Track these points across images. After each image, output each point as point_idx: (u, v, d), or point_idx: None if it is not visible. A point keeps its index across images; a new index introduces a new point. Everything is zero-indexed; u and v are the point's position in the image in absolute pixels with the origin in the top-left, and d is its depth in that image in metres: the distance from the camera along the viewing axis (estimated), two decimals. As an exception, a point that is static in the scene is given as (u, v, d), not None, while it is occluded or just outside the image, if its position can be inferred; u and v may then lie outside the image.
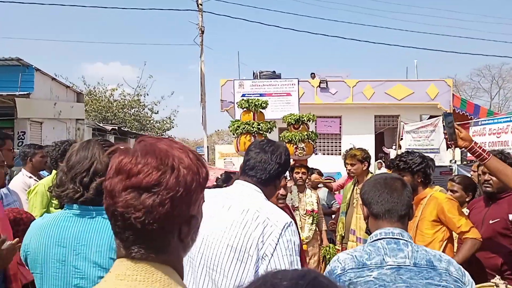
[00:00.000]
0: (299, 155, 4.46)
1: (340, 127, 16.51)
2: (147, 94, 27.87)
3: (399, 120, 13.14)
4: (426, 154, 9.75)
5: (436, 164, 10.74)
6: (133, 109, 27.80)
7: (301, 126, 4.60)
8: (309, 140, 4.58)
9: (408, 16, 47.86)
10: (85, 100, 23.12)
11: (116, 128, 18.36)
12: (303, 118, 4.59)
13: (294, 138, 4.44)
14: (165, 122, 29.51)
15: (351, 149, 4.36)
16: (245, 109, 4.49)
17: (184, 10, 13.00)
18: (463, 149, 2.38)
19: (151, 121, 29.22)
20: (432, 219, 2.70)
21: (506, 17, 48.91)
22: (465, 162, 12.30)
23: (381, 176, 1.64)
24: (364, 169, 4.02)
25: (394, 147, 14.58)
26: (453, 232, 2.71)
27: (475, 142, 2.34)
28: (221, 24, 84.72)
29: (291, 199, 4.22)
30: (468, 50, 44.95)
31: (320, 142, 16.40)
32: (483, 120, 9.66)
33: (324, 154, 16.26)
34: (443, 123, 2.48)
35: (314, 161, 10.41)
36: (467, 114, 15.11)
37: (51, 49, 65.85)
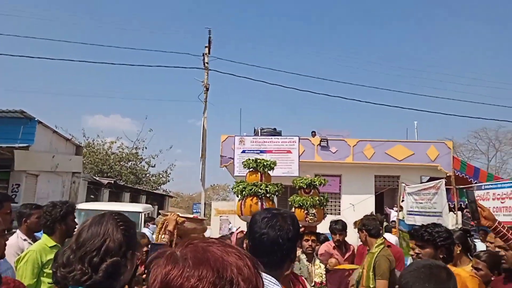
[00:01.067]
0: (310, 221, 4.22)
1: (340, 186, 16.34)
2: (146, 148, 27.91)
3: (399, 180, 13.04)
4: (429, 218, 9.54)
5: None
6: (130, 162, 27.67)
7: (312, 191, 4.41)
8: (321, 206, 4.36)
9: (408, 79, 49.30)
10: (83, 153, 23.07)
11: (112, 182, 18.08)
12: (314, 182, 4.41)
13: (305, 204, 4.23)
14: (161, 176, 29.28)
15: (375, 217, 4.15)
16: (252, 169, 4.25)
17: (190, 68, 13.22)
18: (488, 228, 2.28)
19: (147, 175, 28.99)
20: None
21: (502, 82, 50.52)
22: (469, 226, 12.07)
23: (425, 263, 1.47)
24: (364, 238, 3.85)
25: (395, 208, 14.34)
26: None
27: (499, 221, 2.26)
28: (225, 81, 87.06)
29: (300, 269, 3.95)
30: (465, 113, 45.87)
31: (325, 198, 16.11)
32: (486, 185, 9.55)
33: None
34: (466, 200, 2.43)
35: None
36: (467, 177, 15.03)
37: (52, 100, 66.81)
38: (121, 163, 26.69)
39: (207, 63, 12.81)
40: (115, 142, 27.20)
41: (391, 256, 3.74)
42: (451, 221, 11.51)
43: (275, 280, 1.46)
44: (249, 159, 4.29)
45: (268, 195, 4.05)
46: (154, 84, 68.91)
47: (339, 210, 16.18)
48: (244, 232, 4.79)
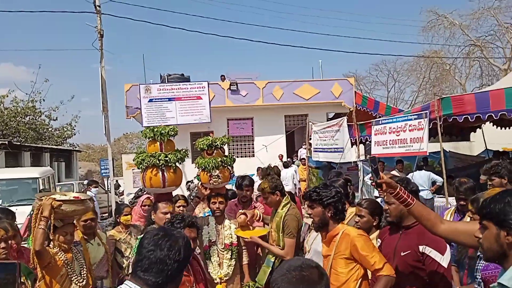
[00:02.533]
0: (214, 183, 4.11)
1: (252, 129, 16.56)
2: (43, 100, 25.45)
3: (307, 119, 13.49)
4: (331, 154, 10.06)
5: (343, 161, 11.21)
6: (28, 117, 25.19)
7: (215, 151, 4.25)
8: (225, 166, 4.24)
9: (310, 18, 49.90)
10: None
11: (6, 142, 16.36)
12: (216, 142, 4.24)
13: (207, 166, 4.09)
14: (65, 129, 27.26)
15: (274, 169, 4.12)
16: (150, 138, 3.99)
17: (80, 13, 11.79)
18: (389, 193, 2.35)
19: (50, 129, 26.77)
20: (345, 257, 2.62)
21: (400, 18, 53.52)
22: (368, 157, 13.05)
23: (296, 265, 1.40)
24: (277, 199, 3.77)
25: (304, 146, 14.98)
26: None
27: (400, 187, 2.30)
28: (123, 28, 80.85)
29: (208, 232, 3.88)
30: (366, 49, 48.42)
31: (232, 145, 16.29)
32: (383, 120, 10.19)
33: (237, 156, 16.17)
34: (370, 167, 2.55)
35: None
36: (368, 110, 15.99)
37: None
38: (17, 118, 24.18)
39: (99, 6, 11.53)
40: (7, 96, 24.37)
41: (298, 215, 3.81)
42: (354, 154, 12.34)
43: None
44: (147, 129, 4.05)
45: (170, 164, 3.84)
46: (47, 30, 62.07)
47: (253, 152, 16.52)
48: (151, 199, 4.57)
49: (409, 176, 8.94)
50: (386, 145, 9.66)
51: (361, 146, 12.71)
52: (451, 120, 7.38)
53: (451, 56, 26.74)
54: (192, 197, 8.38)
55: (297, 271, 1.36)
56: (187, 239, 1.59)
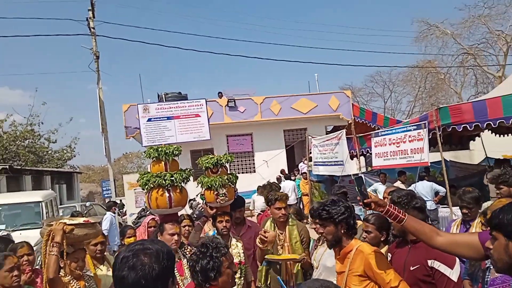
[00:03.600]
0: (221, 202, 4.06)
1: (252, 145, 16.59)
2: (42, 123, 25.50)
3: (306, 133, 13.55)
4: (331, 166, 10.05)
5: (343, 174, 11.20)
6: (27, 141, 25.20)
7: (220, 170, 4.24)
8: (230, 184, 4.23)
9: (304, 32, 50.50)
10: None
11: (7, 166, 16.35)
12: (221, 160, 4.23)
13: (214, 184, 4.06)
14: (65, 152, 27.24)
15: (272, 188, 4.12)
16: (154, 158, 3.88)
17: (75, 35, 11.92)
18: (380, 212, 2.32)
19: (49, 152, 26.75)
20: (359, 274, 2.59)
21: (392, 29, 54.21)
22: (370, 169, 13.07)
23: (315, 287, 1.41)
24: (287, 213, 3.85)
25: (304, 160, 15.00)
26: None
27: (389, 204, 2.30)
28: (118, 48, 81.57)
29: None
30: (361, 61, 48.92)
31: (233, 161, 16.24)
32: (382, 131, 10.24)
33: (238, 173, 16.16)
34: (356, 188, 2.52)
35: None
36: (366, 121, 16.09)
37: None
38: (17, 142, 24.18)
39: (93, 28, 11.67)
40: (6, 120, 24.45)
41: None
42: (355, 167, 12.35)
43: None
44: (150, 148, 3.95)
45: (176, 184, 3.77)
46: (43, 54, 62.58)
47: (254, 167, 16.52)
48: (156, 219, 4.55)
49: (412, 186, 8.94)
50: (387, 156, 9.69)
51: (362, 158, 12.75)
52: (450, 129, 7.44)
53: (445, 65, 27.03)
54: (195, 216, 8.33)
55: None
56: (162, 252, 1.45)
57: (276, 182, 12.02)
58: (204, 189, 4.18)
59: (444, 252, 2.25)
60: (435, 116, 7.52)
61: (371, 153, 10.73)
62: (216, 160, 4.18)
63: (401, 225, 2.27)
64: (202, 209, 5.29)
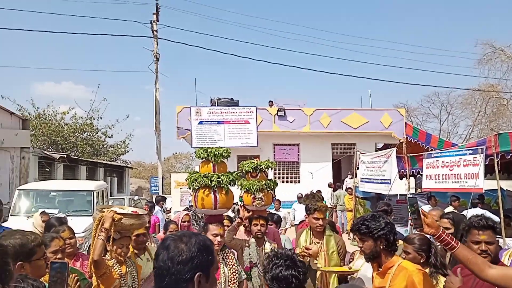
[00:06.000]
0: (257, 205, 4.16)
1: (298, 155, 16.53)
2: (101, 118, 26.88)
3: (355, 148, 13.31)
4: (378, 184, 9.78)
5: (390, 193, 10.88)
6: (85, 133, 26.66)
7: (259, 174, 4.32)
8: (268, 189, 4.29)
9: (362, 48, 49.77)
10: (33, 124, 21.90)
11: (65, 156, 17.38)
12: (261, 165, 4.32)
13: (252, 188, 4.15)
14: (119, 147, 28.51)
15: (313, 197, 4.12)
16: (203, 159, 3.96)
17: (138, 37, 12.55)
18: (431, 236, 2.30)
19: (105, 146, 28.11)
20: None
21: (454, 50, 52.25)
22: (419, 191, 12.59)
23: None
24: (324, 224, 3.84)
25: (350, 175, 14.72)
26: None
27: (443, 230, 2.27)
28: (177, 51, 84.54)
29: (249, 254, 3.93)
30: (418, 80, 47.39)
31: (278, 170, 16.32)
32: (436, 153, 9.86)
33: (282, 182, 16.14)
34: (409, 207, 2.46)
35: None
36: (419, 142, 15.55)
37: (-2, 70, 62.75)
38: (76, 134, 25.64)
39: (156, 31, 12.22)
40: (68, 112, 25.99)
41: None
42: (404, 187, 11.95)
43: None
44: (200, 149, 4.05)
45: (222, 186, 3.84)
46: (107, 52, 66.17)
47: (298, 178, 16.44)
48: (190, 215, 4.70)
49: (464, 213, 8.53)
50: (439, 179, 9.32)
51: (412, 179, 12.32)
52: (509, 157, 7.04)
53: (509, 91, 25.54)
54: (235, 218, 8.47)
55: None
56: (195, 237, 1.48)
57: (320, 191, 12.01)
58: (243, 192, 4.28)
59: (494, 285, 2.19)
60: (494, 142, 7.16)
61: (421, 174, 10.36)
62: (256, 165, 4.27)
63: (452, 252, 2.24)
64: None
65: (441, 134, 29.98)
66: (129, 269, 3.22)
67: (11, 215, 8.26)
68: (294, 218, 10.90)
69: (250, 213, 4.19)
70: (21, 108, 23.71)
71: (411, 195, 10.34)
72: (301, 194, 11.46)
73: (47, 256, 2.36)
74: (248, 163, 4.35)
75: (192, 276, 1.39)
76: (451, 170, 8.96)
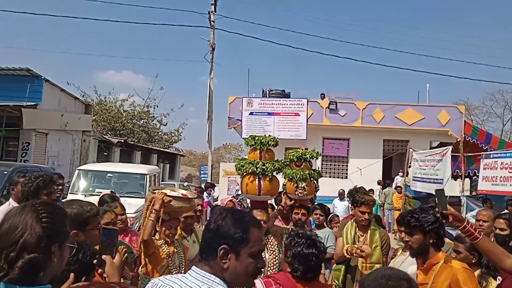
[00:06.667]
0: (299, 194, 4.16)
1: (348, 150, 16.23)
2: (157, 106, 27.95)
3: (408, 145, 12.87)
4: (429, 184, 9.40)
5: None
6: (142, 120, 27.85)
7: (304, 164, 4.33)
8: (311, 179, 4.30)
9: (420, 39, 47.55)
10: (95, 110, 23.21)
11: (122, 141, 18.28)
12: (305, 155, 4.32)
13: (295, 177, 4.18)
14: (173, 135, 29.50)
15: (361, 191, 4.05)
16: (251, 146, 4.05)
17: (196, 27, 12.86)
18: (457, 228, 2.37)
19: (159, 133, 29.22)
20: None
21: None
22: (474, 193, 11.97)
23: (385, 274, 1.42)
24: (370, 218, 3.79)
25: (400, 173, 14.27)
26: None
27: (467, 221, 2.32)
28: (232, 41, 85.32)
29: (286, 243, 3.97)
30: (480, 76, 44.62)
31: (326, 164, 16.15)
32: (495, 153, 9.35)
33: (330, 176, 15.96)
34: (436, 200, 2.48)
35: (321, 184, 10.21)
36: (478, 142, 14.74)
37: (63, 58, 66.80)
38: (133, 121, 26.89)
39: (213, 21, 12.46)
40: (127, 100, 27.28)
41: None
42: (458, 188, 11.42)
43: (217, 279, 1.43)
44: (250, 137, 4.14)
45: (266, 173, 3.92)
46: (165, 42, 68.24)
47: (347, 174, 16.18)
48: (234, 201, 4.81)
49: (521, 218, 8.03)
50: (496, 181, 8.85)
51: (467, 180, 11.73)
52: None
53: None
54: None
55: (384, 279, 1.37)
56: (233, 211, 1.53)
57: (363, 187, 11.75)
58: (286, 180, 4.31)
59: None
60: (561, 143, 6.66)
61: (478, 176, 9.85)
62: (301, 154, 4.28)
63: (475, 243, 2.32)
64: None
65: (503, 135, 28.18)
66: (177, 249, 3.30)
67: (70, 193, 8.84)
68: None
69: (292, 201, 4.22)
70: (85, 94, 25.24)
71: (463, 197, 9.87)
72: (343, 190, 11.24)
73: (100, 226, 2.45)
74: (293, 152, 4.37)
75: (217, 246, 1.42)
76: (510, 172, 8.48)
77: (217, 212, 1.51)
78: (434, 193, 9.39)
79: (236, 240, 1.43)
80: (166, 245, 3.20)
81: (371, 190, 13.37)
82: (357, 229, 3.87)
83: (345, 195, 10.99)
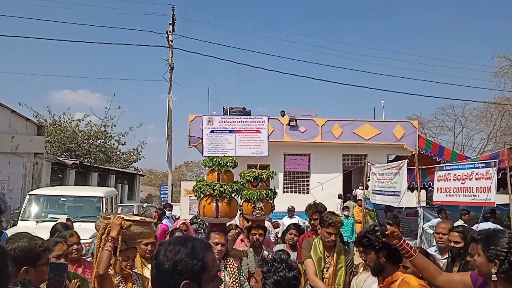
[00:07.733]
0: (257, 215, 4.11)
1: (309, 165, 16.43)
2: (115, 125, 27.24)
3: (366, 159, 13.19)
4: (388, 197, 9.63)
5: (400, 206, 10.71)
6: (99, 140, 27.02)
7: (260, 184, 4.28)
8: (268, 199, 4.25)
9: (374, 59, 49.58)
10: (48, 131, 22.27)
11: (78, 162, 17.60)
12: (262, 175, 4.27)
13: (252, 197, 4.11)
14: (132, 154, 28.78)
15: (318, 206, 4.05)
16: (209, 168, 3.92)
17: (154, 46, 12.73)
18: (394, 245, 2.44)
19: (117, 153, 28.43)
20: None
21: (470, 62, 51.66)
22: (430, 204, 12.39)
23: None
24: (336, 240, 3.78)
25: (360, 187, 14.57)
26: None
27: (403, 239, 2.43)
28: (191, 60, 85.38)
29: (247, 264, 3.89)
30: (433, 92, 46.85)
31: (288, 180, 16.25)
32: (448, 166, 9.73)
33: (292, 192, 16.06)
34: (376, 219, 2.53)
35: (283, 199, 10.20)
36: (432, 155, 15.37)
37: (14, 78, 64.14)
38: (90, 141, 26.03)
39: (171, 41, 12.40)
40: (83, 120, 26.42)
41: None
42: (415, 200, 11.77)
43: None
44: (207, 158, 4.03)
45: (224, 195, 3.81)
46: (123, 61, 67.25)
47: (308, 189, 16.33)
48: (187, 223, 4.66)
49: (474, 227, 8.35)
50: (450, 192, 9.19)
51: (423, 192, 12.13)
52: (523, 171, 6.91)
53: (526, 104, 25.05)
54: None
55: None
56: (187, 250, 1.40)
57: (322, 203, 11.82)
58: (242, 201, 4.24)
59: None
60: (507, 156, 7.06)
61: (433, 187, 10.21)
62: (257, 174, 4.23)
63: (410, 260, 2.42)
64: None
65: (455, 147, 29.53)
66: (135, 285, 2.98)
67: (20, 219, 8.36)
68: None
69: (249, 222, 4.16)
70: (38, 115, 24.21)
71: (419, 208, 10.18)
72: (293, 207, 11.20)
73: (48, 261, 2.23)
74: (249, 173, 4.30)
75: (177, 284, 1.34)
76: (463, 183, 8.83)
77: (165, 248, 1.39)
78: (393, 205, 9.62)
79: (196, 272, 1.37)
80: (123, 282, 2.86)
81: (321, 204, 13.45)
82: (324, 249, 3.84)
83: (294, 212, 10.98)
